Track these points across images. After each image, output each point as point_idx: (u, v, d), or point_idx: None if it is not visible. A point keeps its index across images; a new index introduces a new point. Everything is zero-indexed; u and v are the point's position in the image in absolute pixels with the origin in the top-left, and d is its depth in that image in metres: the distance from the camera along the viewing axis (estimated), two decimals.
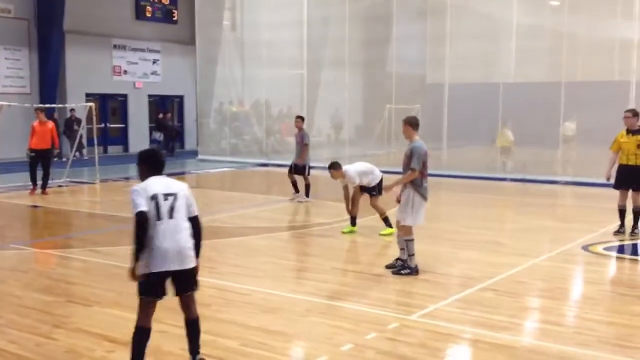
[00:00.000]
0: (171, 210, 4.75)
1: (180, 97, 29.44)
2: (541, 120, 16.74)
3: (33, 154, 14.65)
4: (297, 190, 14.04)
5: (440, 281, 7.91)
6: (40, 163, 14.69)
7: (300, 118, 14.31)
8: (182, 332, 5.90)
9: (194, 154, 25.50)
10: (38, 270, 8.42)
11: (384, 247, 9.80)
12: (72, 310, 6.62)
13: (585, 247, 9.59)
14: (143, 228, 4.61)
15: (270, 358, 5.38)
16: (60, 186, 16.21)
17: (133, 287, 7.38)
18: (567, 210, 13.11)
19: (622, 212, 10.43)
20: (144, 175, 4.90)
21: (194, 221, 4.89)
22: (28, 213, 13.22)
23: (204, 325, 6.14)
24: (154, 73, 28.10)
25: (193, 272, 4.92)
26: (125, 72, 26.99)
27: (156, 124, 26.71)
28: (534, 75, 21.06)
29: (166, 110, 27.73)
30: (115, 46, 26.58)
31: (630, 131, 10.27)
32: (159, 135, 26.21)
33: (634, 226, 10.33)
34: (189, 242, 4.84)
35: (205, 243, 9.44)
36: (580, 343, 5.73)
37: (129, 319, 6.29)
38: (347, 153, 22.99)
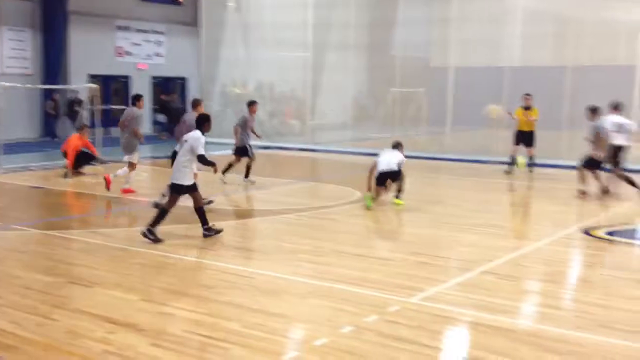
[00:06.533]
0: None
1: (184, 79, 29.35)
2: (546, 104, 16.62)
3: None
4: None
5: (441, 264, 7.92)
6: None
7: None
8: (187, 314, 5.95)
9: None
10: (39, 251, 8.43)
11: (387, 231, 9.80)
12: (72, 291, 6.64)
13: (587, 231, 9.58)
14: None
15: (271, 340, 5.39)
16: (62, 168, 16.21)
17: (134, 269, 7.46)
18: (569, 194, 13.07)
19: None
20: None
21: None
22: (30, 194, 13.24)
23: (205, 307, 6.17)
24: (157, 55, 27.99)
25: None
26: (129, 53, 26.90)
27: (159, 105, 26.65)
28: (539, 60, 20.96)
29: (170, 92, 27.65)
30: (118, 27, 26.45)
31: None
32: (162, 117, 26.14)
33: None
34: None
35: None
36: (580, 327, 5.73)
37: (130, 300, 6.35)
38: (350, 136, 22.95)
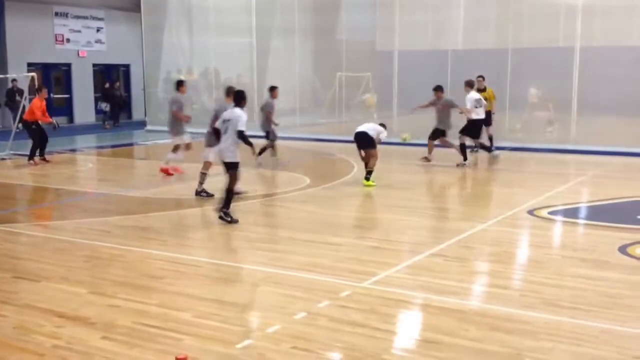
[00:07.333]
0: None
1: (127, 66, 28.77)
2: (489, 86, 16.90)
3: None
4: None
5: (391, 248, 8.03)
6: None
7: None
8: (137, 306, 5.88)
9: (141, 124, 25.02)
10: None
11: (338, 217, 9.87)
12: (20, 286, 6.49)
13: (531, 212, 9.84)
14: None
15: (224, 329, 5.39)
16: (3, 159, 15.74)
17: (81, 261, 7.31)
18: (512, 176, 13.40)
19: None
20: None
21: None
22: None
23: (155, 298, 6.11)
24: (98, 41, 27.34)
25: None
26: (68, 40, 26.19)
27: (102, 94, 26.07)
28: (482, 43, 21.29)
29: (113, 80, 27.07)
30: (56, 14, 25.70)
31: None
32: (104, 106, 25.57)
33: None
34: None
35: (157, 215, 9.33)
36: (526, 305, 5.90)
37: (78, 293, 6.24)
38: (297, 122, 22.93)
